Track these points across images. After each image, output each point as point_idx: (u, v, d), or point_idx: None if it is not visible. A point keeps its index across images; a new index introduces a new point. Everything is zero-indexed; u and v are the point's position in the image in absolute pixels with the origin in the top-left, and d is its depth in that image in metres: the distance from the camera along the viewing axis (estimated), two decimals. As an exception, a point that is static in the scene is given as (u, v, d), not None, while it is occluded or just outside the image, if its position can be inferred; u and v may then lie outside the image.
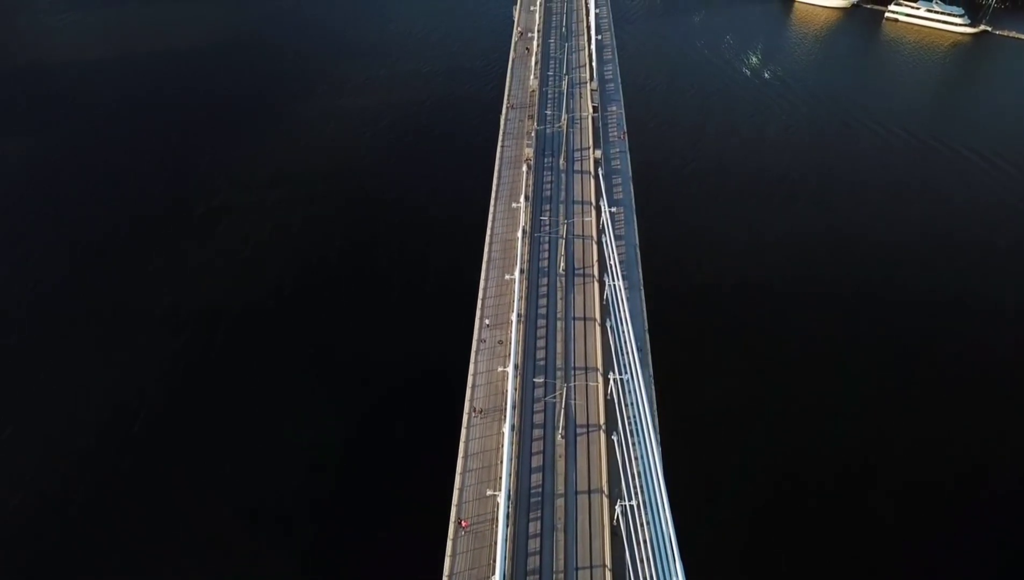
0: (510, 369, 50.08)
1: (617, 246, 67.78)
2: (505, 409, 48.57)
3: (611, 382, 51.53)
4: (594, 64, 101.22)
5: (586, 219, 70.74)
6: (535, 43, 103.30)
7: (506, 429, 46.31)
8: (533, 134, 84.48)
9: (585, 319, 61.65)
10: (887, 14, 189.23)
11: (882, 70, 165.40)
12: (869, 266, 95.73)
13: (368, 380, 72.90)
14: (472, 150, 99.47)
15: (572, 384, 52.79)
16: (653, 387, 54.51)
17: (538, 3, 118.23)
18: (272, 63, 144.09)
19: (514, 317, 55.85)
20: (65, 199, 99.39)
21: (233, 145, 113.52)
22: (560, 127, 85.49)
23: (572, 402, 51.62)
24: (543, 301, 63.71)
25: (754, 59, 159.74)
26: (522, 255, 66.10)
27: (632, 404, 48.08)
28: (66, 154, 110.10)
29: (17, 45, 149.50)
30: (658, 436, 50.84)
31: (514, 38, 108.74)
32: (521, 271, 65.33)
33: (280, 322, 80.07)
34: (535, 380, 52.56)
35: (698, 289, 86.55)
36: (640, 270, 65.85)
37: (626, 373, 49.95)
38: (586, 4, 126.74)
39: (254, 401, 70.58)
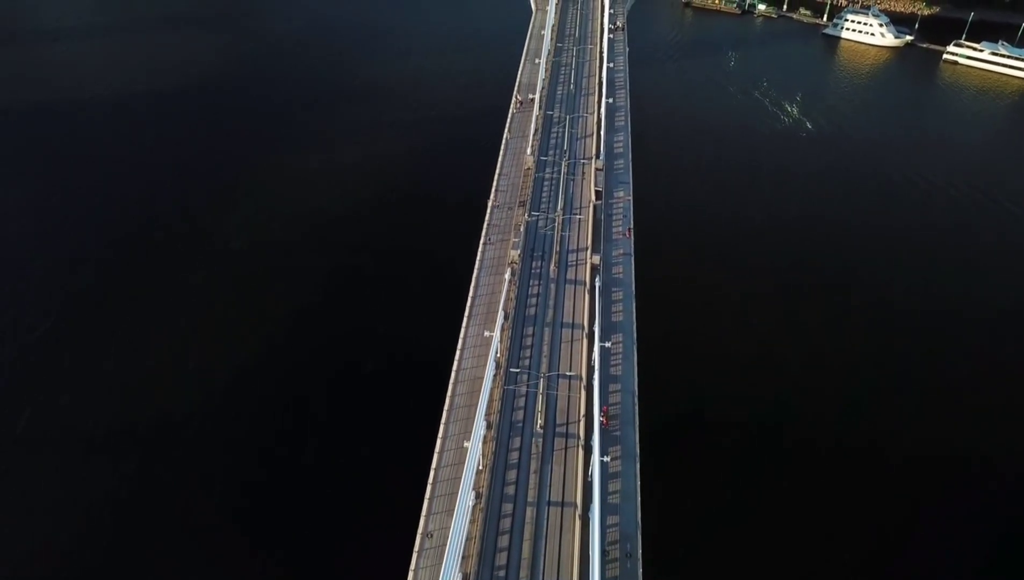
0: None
1: (611, 395, 54.65)
2: None
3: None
4: (603, 133, 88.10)
5: (573, 369, 57.22)
6: (536, 109, 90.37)
7: None
8: (522, 229, 71.56)
9: (563, 505, 48.26)
10: (945, 56, 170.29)
11: (941, 121, 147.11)
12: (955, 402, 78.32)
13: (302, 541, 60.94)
14: (448, 249, 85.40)
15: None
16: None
17: (544, 54, 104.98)
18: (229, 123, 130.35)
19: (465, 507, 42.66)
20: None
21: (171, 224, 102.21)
22: (555, 219, 72.28)
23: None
24: (512, 474, 50.45)
25: (794, 108, 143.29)
26: (490, 403, 53.27)
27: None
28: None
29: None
30: None
31: (512, 107, 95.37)
32: (489, 426, 52.70)
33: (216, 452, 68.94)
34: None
35: (706, 462, 69.63)
36: (637, 432, 52.05)
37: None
38: (600, 55, 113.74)
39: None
